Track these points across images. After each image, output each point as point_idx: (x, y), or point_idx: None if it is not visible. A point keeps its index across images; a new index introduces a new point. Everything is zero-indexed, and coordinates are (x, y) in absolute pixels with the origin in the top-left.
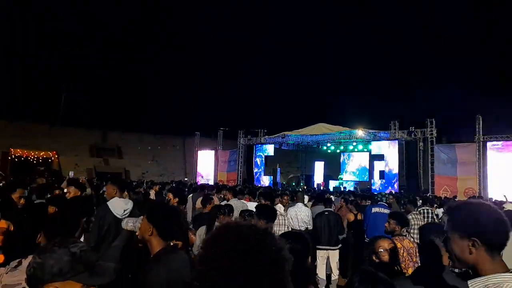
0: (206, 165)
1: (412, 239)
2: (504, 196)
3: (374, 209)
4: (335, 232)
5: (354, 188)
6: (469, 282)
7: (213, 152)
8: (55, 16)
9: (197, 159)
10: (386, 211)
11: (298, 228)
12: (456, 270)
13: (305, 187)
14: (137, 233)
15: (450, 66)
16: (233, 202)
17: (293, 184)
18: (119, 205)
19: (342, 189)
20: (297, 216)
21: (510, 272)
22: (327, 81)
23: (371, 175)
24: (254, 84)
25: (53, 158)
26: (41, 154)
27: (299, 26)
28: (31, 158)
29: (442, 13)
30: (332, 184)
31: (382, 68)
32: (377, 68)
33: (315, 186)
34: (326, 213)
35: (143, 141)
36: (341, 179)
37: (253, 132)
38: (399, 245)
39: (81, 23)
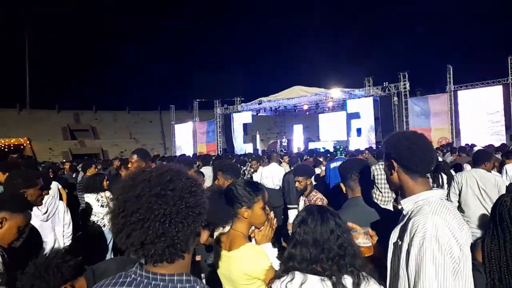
0: (184, 138)
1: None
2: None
3: (333, 164)
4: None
5: (334, 147)
6: (401, 201)
7: (190, 124)
8: None
9: (174, 133)
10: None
11: (273, 187)
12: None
13: (284, 150)
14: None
15: (419, 17)
16: (205, 169)
17: (273, 150)
18: None
19: (321, 150)
20: (270, 175)
21: (434, 189)
22: (298, 42)
23: (348, 134)
24: (227, 52)
25: (25, 145)
26: (12, 141)
27: None
28: (1, 146)
29: None
30: (312, 146)
31: (351, 24)
32: (347, 25)
33: (296, 149)
34: (291, 173)
35: (118, 119)
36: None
37: (229, 101)
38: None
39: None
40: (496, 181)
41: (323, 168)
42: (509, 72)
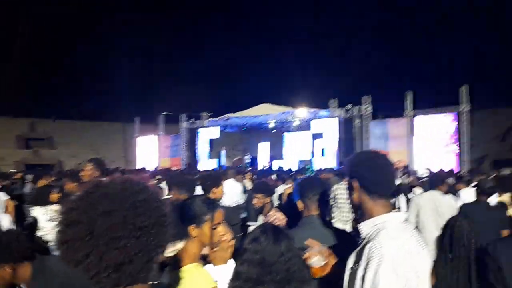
0: (147, 151)
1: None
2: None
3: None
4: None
5: (303, 166)
6: (359, 225)
7: (154, 137)
8: None
9: (136, 146)
10: None
11: (228, 204)
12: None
13: (250, 168)
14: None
15: (382, 45)
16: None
17: (240, 166)
18: None
19: (285, 169)
20: (228, 192)
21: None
22: (267, 61)
23: (312, 153)
24: (195, 65)
25: None
26: None
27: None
28: None
29: None
30: (276, 164)
31: (319, 48)
32: (315, 48)
33: (261, 167)
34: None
35: (78, 130)
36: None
37: (196, 116)
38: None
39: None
40: (450, 203)
41: (288, 185)
42: (462, 101)
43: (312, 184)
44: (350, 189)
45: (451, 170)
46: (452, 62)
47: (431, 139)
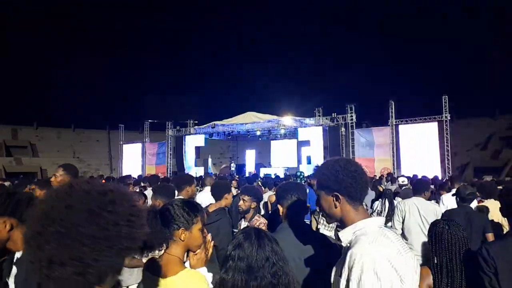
0: (133, 159)
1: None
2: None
3: None
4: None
5: (284, 174)
6: (339, 233)
7: (140, 145)
8: None
9: (122, 153)
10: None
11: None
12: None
13: (237, 176)
14: None
15: (365, 55)
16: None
17: (226, 174)
18: None
19: (273, 176)
20: (206, 200)
21: (372, 217)
22: (253, 68)
23: (299, 161)
24: (180, 74)
25: None
26: None
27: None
28: None
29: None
30: (263, 172)
31: (304, 56)
32: (300, 60)
33: (247, 174)
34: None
35: (61, 137)
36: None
37: (182, 123)
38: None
39: None
40: (434, 209)
41: (273, 193)
42: (443, 110)
43: (289, 189)
44: (334, 202)
45: (435, 177)
46: (435, 73)
47: (415, 147)
